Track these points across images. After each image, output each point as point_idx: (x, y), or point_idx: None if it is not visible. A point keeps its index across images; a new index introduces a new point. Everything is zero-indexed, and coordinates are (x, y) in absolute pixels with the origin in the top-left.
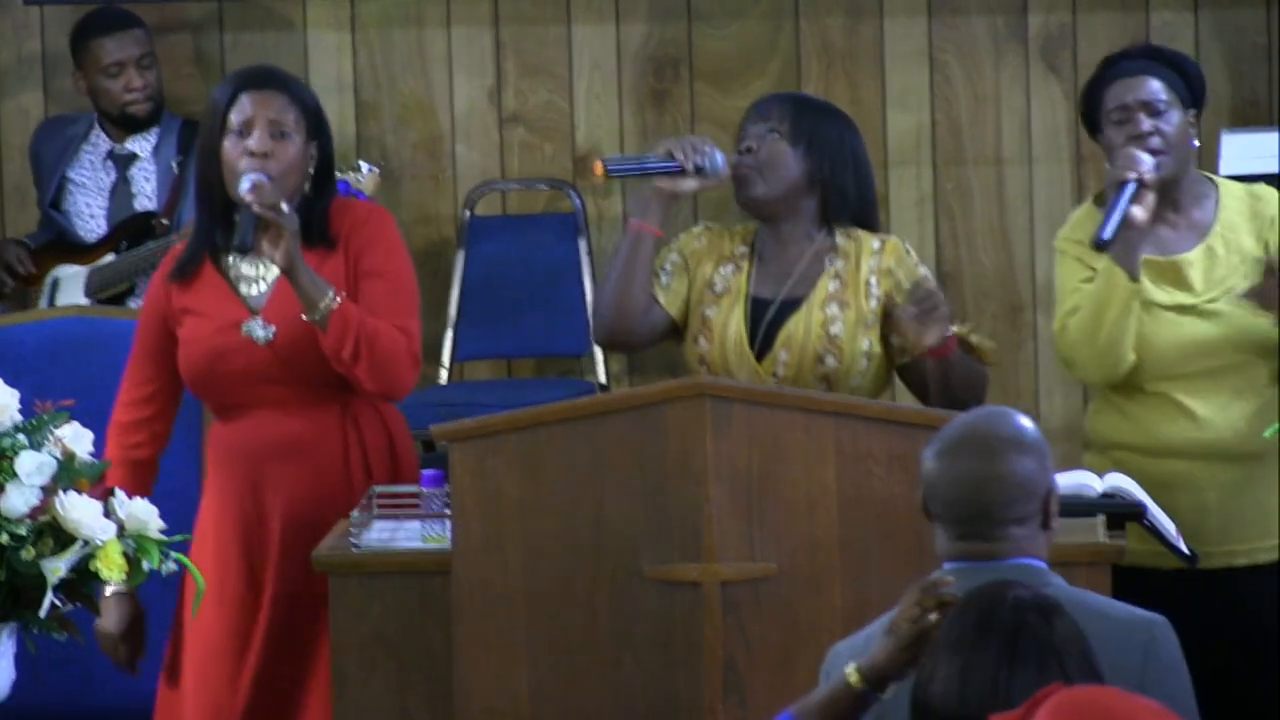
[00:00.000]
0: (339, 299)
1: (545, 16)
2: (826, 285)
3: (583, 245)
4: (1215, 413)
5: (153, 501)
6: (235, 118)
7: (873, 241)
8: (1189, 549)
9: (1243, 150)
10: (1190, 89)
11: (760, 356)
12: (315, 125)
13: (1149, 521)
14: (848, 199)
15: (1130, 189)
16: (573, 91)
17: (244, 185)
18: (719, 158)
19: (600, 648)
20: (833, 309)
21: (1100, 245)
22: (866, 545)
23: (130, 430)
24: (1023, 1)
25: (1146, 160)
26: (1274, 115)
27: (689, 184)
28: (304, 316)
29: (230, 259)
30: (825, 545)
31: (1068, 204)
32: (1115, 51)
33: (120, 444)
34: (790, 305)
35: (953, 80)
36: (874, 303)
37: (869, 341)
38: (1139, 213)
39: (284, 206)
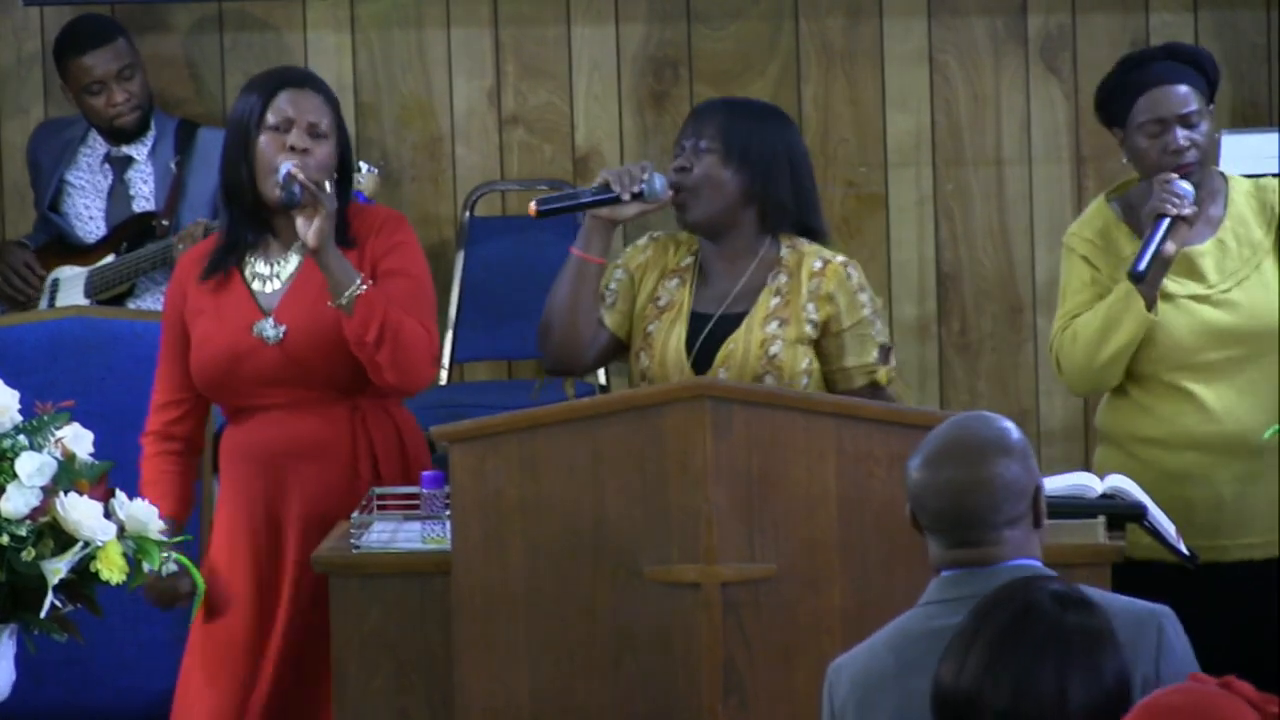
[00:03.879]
0: (366, 285)
1: (545, 17)
2: (768, 301)
3: None
4: (1230, 405)
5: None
6: (273, 115)
7: (814, 261)
8: (1189, 549)
9: (1243, 150)
10: (1209, 84)
11: (699, 373)
12: (340, 128)
13: (1149, 523)
14: (786, 209)
15: (1166, 223)
16: (572, 92)
17: (283, 170)
18: (658, 182)
19: (600, 648)
20: (773, 327)
21: (1135, 277)
22: (866, 546)
23: (162, 437)
24: (1022, 2)
25: (1189, 195)
26: (1274, 115)
27: (629, 210)
28: (330, 303)
29: (249, 258)
30: (825, 546)
31: (1067, 204)
32: (1133, 53)
33: (154, 451)
34: (730, 321)
35: (952, 81)
36: (809, 327)
37: (809, 360)
38: (1170, 247)
39: (327, 185)
